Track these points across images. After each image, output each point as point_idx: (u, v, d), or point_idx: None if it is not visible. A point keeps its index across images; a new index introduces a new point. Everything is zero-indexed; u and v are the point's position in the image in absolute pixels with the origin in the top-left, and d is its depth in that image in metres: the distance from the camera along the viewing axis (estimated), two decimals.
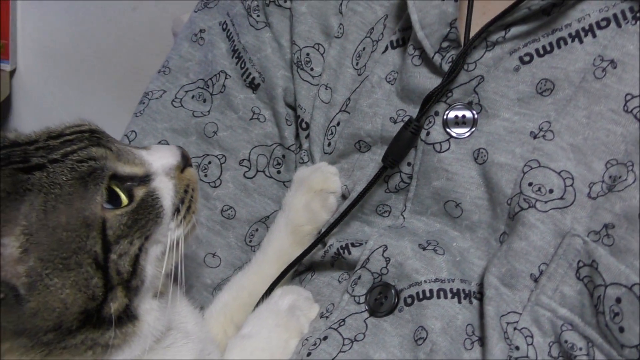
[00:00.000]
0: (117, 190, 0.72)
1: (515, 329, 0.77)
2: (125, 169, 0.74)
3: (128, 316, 0.72)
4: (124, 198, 0.72)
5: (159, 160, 0.77)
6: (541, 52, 0.82)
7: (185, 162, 0.79)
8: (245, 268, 0.97)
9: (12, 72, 2.27)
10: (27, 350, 0.68)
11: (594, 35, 0.80)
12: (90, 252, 0.68)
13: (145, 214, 0.73)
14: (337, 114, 0.96)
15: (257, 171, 1.00)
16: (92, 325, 0.69)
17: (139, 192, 0.73)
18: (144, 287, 0.73)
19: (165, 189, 0.76)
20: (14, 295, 0.66)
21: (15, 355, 0.68)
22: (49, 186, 0.68)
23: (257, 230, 1.00)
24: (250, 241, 1.00)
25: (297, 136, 1.01)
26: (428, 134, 0.85)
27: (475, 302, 0.81)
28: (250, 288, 0.95)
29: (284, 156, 1.01)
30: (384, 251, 0.84)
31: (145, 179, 0.75)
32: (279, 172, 1.01)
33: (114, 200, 0.71)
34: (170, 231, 0.75)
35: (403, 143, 0.85)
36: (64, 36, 2.16)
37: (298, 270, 0.98)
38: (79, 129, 0.74)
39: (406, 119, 0.88)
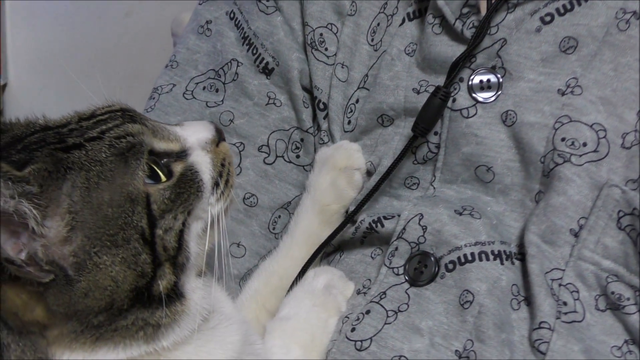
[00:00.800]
0: (155, 167, 0.71)
1: (560, 285, 0.77)
2: (161, 145, 0.73)
3: (176, 294, 0.70)
4: (161, 174, 0.71)
5: (194, 135, 0.76)
6: (562, 10, 0.82)
7: (219, 136, 0.78)
8: (274, 253, 0.96)
9: (4, 87, 2.23)
10: (77, 335, 0.67)
11: None
12: (137, 228, 0.67)
13: (187, 188, 0.72)
14: (355, 91, 0.96)
15: (277, 156, 0.99)
16: (143, 305, 0.68)
17: (177, 168, 0.73)
18: (189, 264, 0.72)
19: (203, 163, 0.75)
20: (63, 276, 0.65)
21: (65, 342, 0.67)
22: (89, 163, 0.67)
23: (279, 217, 0.99)
24: (273, 228, 0.99)
25: (314, 118, 1.01)
26: (454, 100, 0.85)
27: (517, 262, 0.81)
28: (280, 272, 0.94)
29: (302, 140, 1.00)
30: (420, 220, 0.84)
31: (181, 154, 0.74)
32: (298, 157, 1.00)
33: (153, 176, 0.70)
34: (210, 206, 0.74)
35: (432, 111, 0.85)
36: (55, 47, 2.13)
37: (326, 252, 0.97)
38: (110, 108, 0.73)
39: (429, 88, 0.88)
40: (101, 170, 0.67)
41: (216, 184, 0.76)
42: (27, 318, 0.65)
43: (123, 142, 0.69)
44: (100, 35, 2.08)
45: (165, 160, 0.72)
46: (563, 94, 0.81)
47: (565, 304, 0.76)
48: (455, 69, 0.84)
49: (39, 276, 0.63)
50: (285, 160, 1.00)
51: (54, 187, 0.65)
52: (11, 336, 0.66)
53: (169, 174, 0.72)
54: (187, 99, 1.02)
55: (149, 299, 0.68)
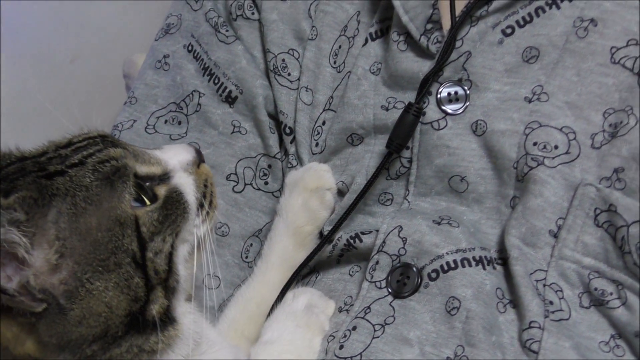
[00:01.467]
0: (138, 191, 0.70)
1: (544, 285, 0.78)
2: (142, 169, 0.72)
3: (169, 318, 0.69)
4: (145, 198, 0.70)
5: (175, 157, 0.76)
6: (521, 22, 0.85)
7: (199, 157, 0.78)
8: (249, 280, 0.95)
9: None
10: None
11: (570, 0, 0.84)
12: (128, 251, 0.66)
13: (174, 210, 0.71)
14: (321, 113, 0.97)
15: (245, 184, 0.99)
16: (137, 331, 0.66)
17: (162, 190, 0.72)
18: (180, 287, 0.71)
19: (187, 185, 0.75)
20: (56, 305, 0.63)
21: None
22: (74, 189, 0.66)
23: (251, 245, 0.99)
24: (246, 257, 0.98)
25: (281, 144, 1.01)
26: (424, 114, 0.87)
27: (498, 267, 0.82)
28: (257, 299, 0.93)
29: (269, 166, 1.00)
30: (399, 232, 0.84)
31: (164, 177, 0.74)
32: (266, 183, 1.00)
33: (137, 200, 0.70)
34: (196, 228, 0.74)
35: (406, 127, 0.86)
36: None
37: (300, 274, 0.96)
38: (87, 135, 0.73)
39: (398, 105, 0.89)
40: (87, 195, 0.66)
41: (200, 205, 0.75)
42: (17, 352, 0.63)
43: (107, 166, 0.68)
44: (45, 83, 2.03)
45: (148, 183, 0.72)
46: (530, 101, 0.83)
47: (551, 303, 0.77)
48: (426, 85, 0.86)
49: (31, 306, 0.62)
50: (254, 187, 0.99)
51: (40, 214, 0.64)
52: None
53: (154, 197, 0.71)
54: (149, 133, 1.01)
55: (143, 324, 0.67)
